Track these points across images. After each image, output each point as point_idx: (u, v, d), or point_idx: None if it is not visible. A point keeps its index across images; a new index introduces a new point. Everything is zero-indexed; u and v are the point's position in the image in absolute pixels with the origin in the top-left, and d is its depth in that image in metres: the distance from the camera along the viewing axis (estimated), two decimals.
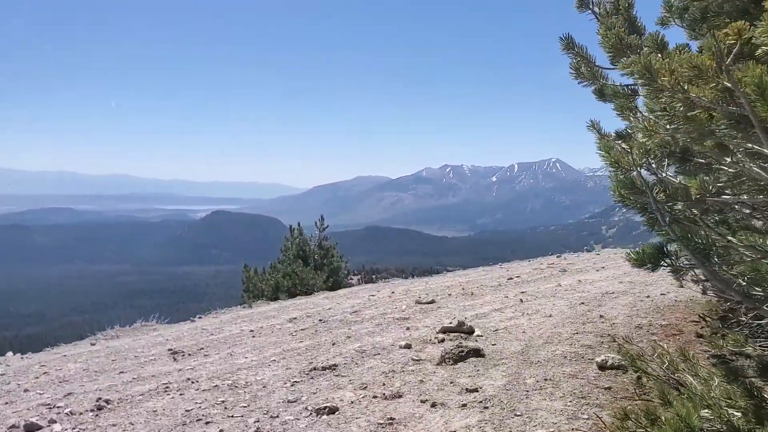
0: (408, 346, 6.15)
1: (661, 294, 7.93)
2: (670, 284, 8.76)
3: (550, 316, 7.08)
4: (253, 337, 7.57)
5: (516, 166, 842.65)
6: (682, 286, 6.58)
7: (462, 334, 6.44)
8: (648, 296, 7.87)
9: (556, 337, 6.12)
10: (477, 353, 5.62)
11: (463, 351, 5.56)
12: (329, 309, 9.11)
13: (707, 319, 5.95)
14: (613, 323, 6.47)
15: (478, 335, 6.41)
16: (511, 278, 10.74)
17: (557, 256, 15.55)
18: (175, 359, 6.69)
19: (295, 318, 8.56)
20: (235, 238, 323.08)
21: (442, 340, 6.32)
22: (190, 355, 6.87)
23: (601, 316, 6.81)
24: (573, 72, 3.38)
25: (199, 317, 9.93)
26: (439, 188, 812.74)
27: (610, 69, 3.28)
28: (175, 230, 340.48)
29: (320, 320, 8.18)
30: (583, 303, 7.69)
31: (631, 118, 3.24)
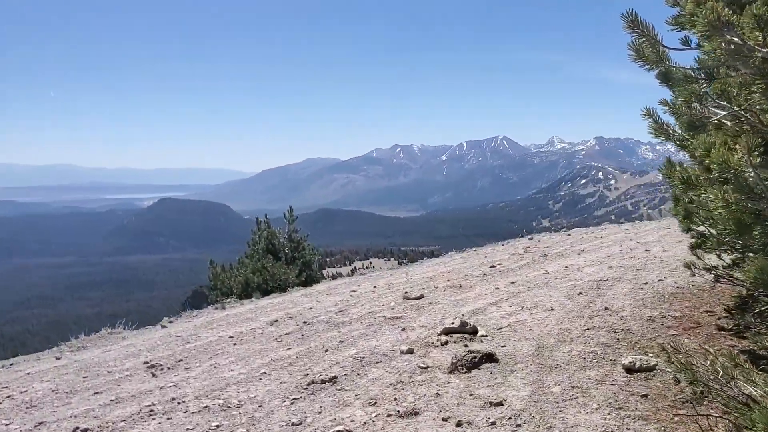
0: (410, 351, 5.71)
1: (659, 280, 7.68)
2: (662, 269, 8.54)
3: (552, 309, 6.73)
4: (235, 344, 7.03)
5: (464, 144, 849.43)
6: (694, 275, 6.29)
7: (466, 335, 6.03)
8: (646, 283, 7.60)
9: (566, 334, 5.76)
10: (490, 358, 5.22)
11: (475, 357, 5.15)
12: (311, 308, 8.60)
13: (732, 311, 5.67)
14: (622, 316, 6.16)
15: (482, 335, 6.01)
16: (494, 266, 10.40)
17: (529, 239, 15.33)
18: (153, 374, 6.12)
19: (276, 320, 8.02)
20: (182, 225, 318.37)
21: (446, 343, 5.90)
22: (169, 368, 6.30)
23: (606, 308, 6.49)
24: (633, 54, 2.96)
25: (170, 321, 9.29)
26: (389, 169, 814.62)
27: (678, 49, 2.87)
28: (122, 219, 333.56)
29: (304, 322, 7.67)
30: (581, 293, 7.37)
31: (699, 107, 2.86)
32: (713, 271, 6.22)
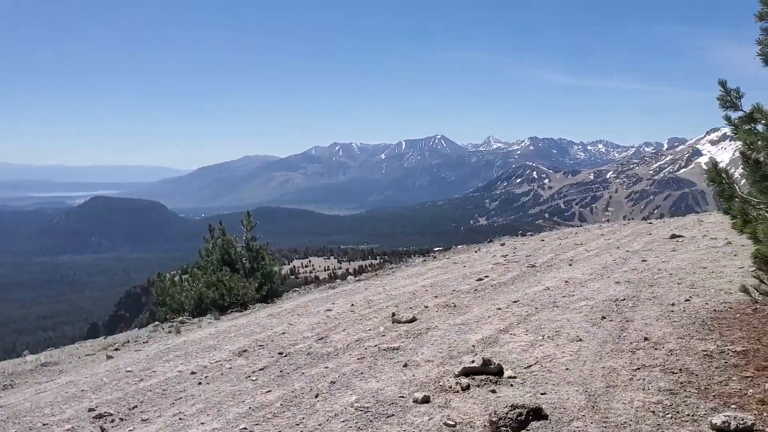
0: (426, 400, 4.58)
1: (685, 300, 6.76)
2: (678, 285, 7.66)
3: (580, 339, 5.71)
4: (200, 383, 5.75)
5: (404, 143, 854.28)
6: (750, 294, 5.39)
7: (491, 377, 4.94)
8: (672, 304, 6.67)
9: (614, 376, 4.74)
10: (537, 414, 4.14)
11: (521, 414, 4.07)
12: (284, 334, 7.35)
13: None
14: (670, 350, 5.18)
15: (510, 377, 4.93)
16: (481, 279, 9.36)
17: (501, 244, 14.42)
18: (102, 429, 4.81)
19: (245, 350, 6.76)
20: (115, 224, 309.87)
21: (467, 387, 4.79)
22: (122, 419, 5.00)
23: (646, 339, 5.51)
24: None
25: (116, 349, 7.90)
26: (329, 167, 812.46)
27: None
28: (51, 218, 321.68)
29: (280, 353, 6.44)
30: (604, 317, 6.38)
31: None
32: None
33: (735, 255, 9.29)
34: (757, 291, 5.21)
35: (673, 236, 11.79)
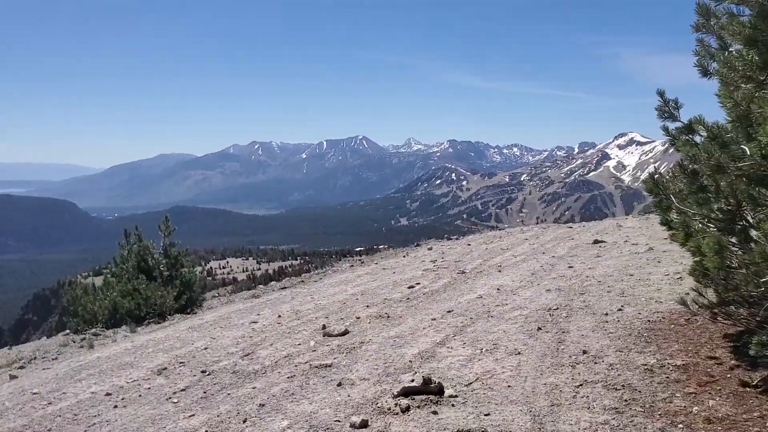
0: (364, 425, 4.31)
1: (618, 310, 6.73)
2: (608, 293, 7.66)
3: (519, 353, 5.56)
4: (116, 407, 5.29)
5: (325, 143, 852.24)
6: (688, 307, 5.37)
7: (431, 396, 4.72)
8: (606, 314, 6.63)
9: (556, 393, 4.60)
10: None
11: None
12: (206, 349, 6.91)
13: (739, 355, 4.72)
14: (610, 364, 5.09)
15: (451, 396, 4.71)
16: (412, 286, 9.16)
17: (429, 248, 14.30)
18: None
19: (165, 368, 6.30)
20: (22, 224, 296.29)
21: (407, 409, 4.54)
22: None
23: (584, 352, 5.41)
24: None
25: (21, 366, 7.25)
26: (247, 165, 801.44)
27: None
28: None
29: (203, 371, 6.02)
30: (539, 328, 6.27)
31: None
32: (712, 309, 5.33)
33: (659, 261, 9.44)
34: (696, 304, 5.19)
35: (596, 241, 11.95)
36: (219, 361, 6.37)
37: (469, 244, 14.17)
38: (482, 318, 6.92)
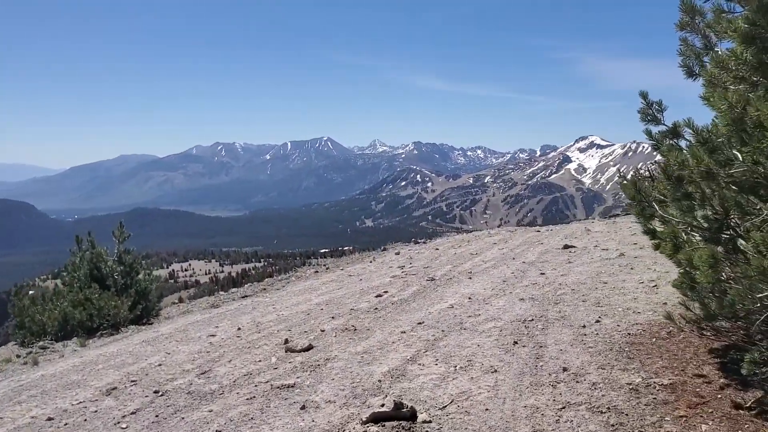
0: None
1: (596, 322, 6.43)
2: (583, 302, 7.38)
3: (495, 370, 5.22)
4: None
5: (289, 144, 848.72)
6: (675, 322, 5.10)
7: (403, 423, 4.34)
8: (583, 326, 6.33)
9: (538, 417, 4.25)
10: None
11: None
12: (160, 366, 6.43)
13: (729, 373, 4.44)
14: (593, 383, 4.77)
15: (425, 421, 4.34)
16: (380, 295, 8.77)
17: (396, 253, 13.94)
18: None
19: (115, 387, 5.80)
20: None
21: None
22: None
23: (564, 369, 5.09)
24: None
25: None
26: (210, 167, 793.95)
27: None
28: None
29: (156, 392, 5.55)
30: (516, 342, 5.94)
31: None
32: (699, 324, 5.07)
33: (632, 268, 9.22)
34: (684, 318, 4.92)
35: (566, 246, 11.72)
36: (173, 379, 5.91)
37: (437, 249, 13.85)
38: (455, 330, 6.57)
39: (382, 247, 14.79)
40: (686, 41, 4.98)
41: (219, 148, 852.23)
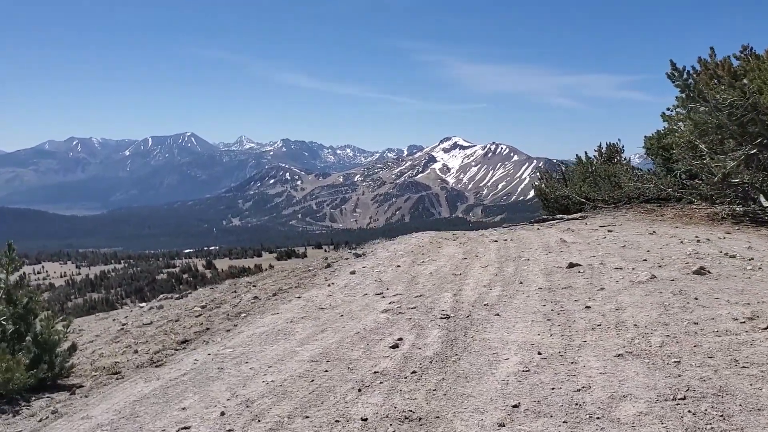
0: None
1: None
2: (708, 357, 5.37)
3: None
4: None
5: (150, 140, 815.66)
6: None
7: None
8: None
9: None
10: None
11: None
12: None
13: None
14: None
15: None
16: (396, 346, 6.27)
17: (351, 272, 11.49)
18: None
19: None
20: None
21: None
22: None
23: None
24: None
25: None
26: (65, 163, 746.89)
27: None
28: None
29: None
30: None
31: None
32: None
33: (695, 298, 7.38)
34: None
35: (571, 265, 9.83)
36: None
37: (399, 266, 11.53)
38: (584, 422, 4.33)
39: (326, 264, 12.30)
40: None
41: (75, 143, 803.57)
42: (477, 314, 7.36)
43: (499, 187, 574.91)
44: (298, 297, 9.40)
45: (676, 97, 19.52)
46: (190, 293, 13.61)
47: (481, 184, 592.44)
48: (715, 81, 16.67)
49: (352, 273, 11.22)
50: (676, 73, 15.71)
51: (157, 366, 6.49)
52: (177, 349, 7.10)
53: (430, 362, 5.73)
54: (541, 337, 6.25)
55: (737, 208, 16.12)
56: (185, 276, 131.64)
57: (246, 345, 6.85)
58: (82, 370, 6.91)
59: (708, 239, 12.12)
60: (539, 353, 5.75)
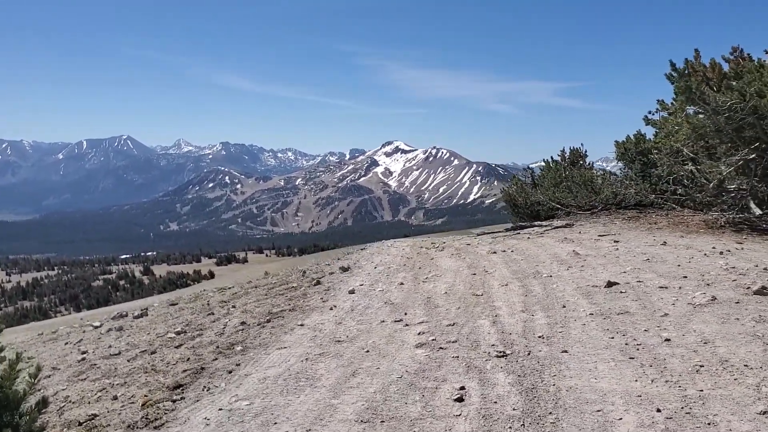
0: None
1: None
2: None
3: None
4: None
5: (85, 142, 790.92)
6: None
7: None
8: None
9: None
10: None
11: None
12: None
13: None
14: None
15: None
16: (461, 399, 4.99)
17: (350, 291, 10.11)
18: None
19: None
20: None
21: None
22: None
23: None
24: None
25: None
26: None
27: None
28: None
29: None
30: None
31: None
32: None
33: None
34: None
35: (610, 284, 8.71)
36: None
37: (402, 283, 10.24)
38: None
39: (315, 281, 10.90)
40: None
41: (4, 145, 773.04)
42: (538, 351, 6.10)
43: (441, 190, 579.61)
44: (301, 324, 7.98)
45: (658, 101, 18.79)
46: (148, 310, 12.02)
47: (423, 188, 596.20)
48: (705, 84, 16.00)
49: (352, 292, 9.87)
50: (675, 75, 14.91)
51: (156, 428, 5.00)
52: (174, 400, 5.60)
53: (522, 425, 4.43)
54: (641, 384, 5.03)
55: (734, 216, 15.42)
56: (122, 283, 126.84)
57: (264, 395, 5.41)
58: (51, 424, 5.38)
59: (728, 250, 11.24)
60: (658, 410, 4.52)
